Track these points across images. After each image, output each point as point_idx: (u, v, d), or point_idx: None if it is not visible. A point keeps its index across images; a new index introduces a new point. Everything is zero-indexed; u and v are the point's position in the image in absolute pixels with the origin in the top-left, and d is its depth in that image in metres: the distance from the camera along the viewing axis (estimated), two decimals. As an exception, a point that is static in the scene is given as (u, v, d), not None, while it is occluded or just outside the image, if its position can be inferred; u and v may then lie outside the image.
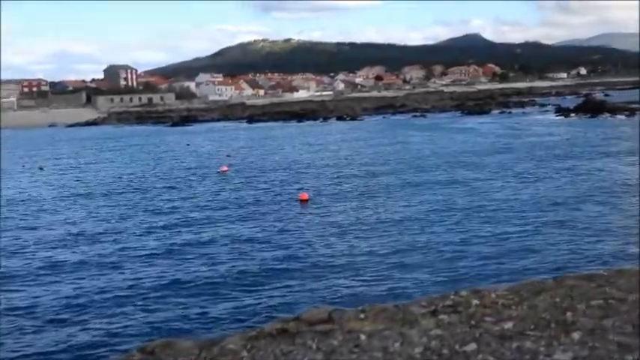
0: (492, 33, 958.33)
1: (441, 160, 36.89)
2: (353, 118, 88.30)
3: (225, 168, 37.03)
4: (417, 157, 39.12)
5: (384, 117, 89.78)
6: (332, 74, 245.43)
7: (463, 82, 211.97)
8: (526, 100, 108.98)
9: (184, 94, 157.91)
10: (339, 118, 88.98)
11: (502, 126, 62.16)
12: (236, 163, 40.14)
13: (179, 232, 20.70)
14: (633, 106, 70.00)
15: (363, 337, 4.51)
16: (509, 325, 4.06)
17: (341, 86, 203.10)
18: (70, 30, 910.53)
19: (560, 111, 73.27)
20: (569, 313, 3.75)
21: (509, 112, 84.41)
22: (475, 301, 4.17)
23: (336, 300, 12.71)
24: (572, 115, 68.77)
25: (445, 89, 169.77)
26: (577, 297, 3.86)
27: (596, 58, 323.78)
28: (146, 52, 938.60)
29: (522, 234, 18.29)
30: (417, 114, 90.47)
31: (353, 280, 14.68)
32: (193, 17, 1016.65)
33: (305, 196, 26.16)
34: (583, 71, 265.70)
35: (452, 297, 4.34)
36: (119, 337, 11.72)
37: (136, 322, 12.47)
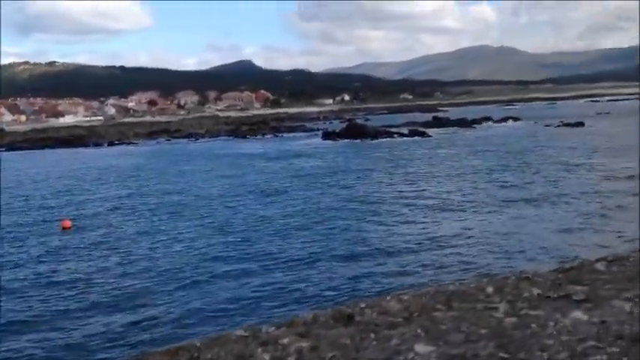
0: (263, 60, 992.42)
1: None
2: (126, 144, 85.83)
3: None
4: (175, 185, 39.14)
5: (157, 142, 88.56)
6: (102, 99, 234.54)
7: (238, 107, 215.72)
8: (297, 124, 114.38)
9: None
10: (111, 144, 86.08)
11: (273, 149, 64.63)
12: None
13: None
14: (391, 130, 77.16)
15: None
16: None
17: (112, 111, 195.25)
18: None
19: (327, 135, 78.14)
20: None
21: (282, 136, 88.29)
22: None
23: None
24: (338, 138, 73.74)
25: (220, 114, 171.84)
26: None
27: (358, 85, 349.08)
28: None
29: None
30: (192, 139, 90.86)
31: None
32: None
33: (68, 223, 25.02)
34: (347, 97, 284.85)
35: None
36: None
37: None
